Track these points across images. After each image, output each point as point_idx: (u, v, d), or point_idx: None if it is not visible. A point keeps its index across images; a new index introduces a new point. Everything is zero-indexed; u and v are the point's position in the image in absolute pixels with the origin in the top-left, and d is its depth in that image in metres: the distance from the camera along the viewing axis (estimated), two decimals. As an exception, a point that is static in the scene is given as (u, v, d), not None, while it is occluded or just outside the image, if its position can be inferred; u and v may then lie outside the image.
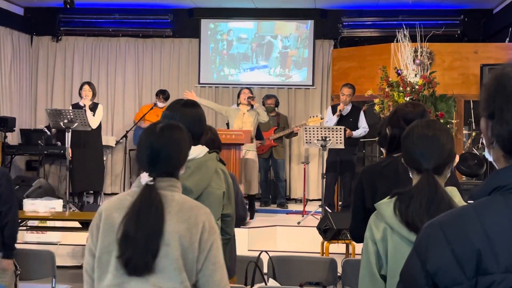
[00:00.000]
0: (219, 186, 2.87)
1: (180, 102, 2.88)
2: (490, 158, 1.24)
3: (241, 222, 6.44)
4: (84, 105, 8.04)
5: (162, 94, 9.25)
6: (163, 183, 2.09)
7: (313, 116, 8.41)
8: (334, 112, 8.14)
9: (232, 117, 7.94)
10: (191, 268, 2.04)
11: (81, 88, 8.24)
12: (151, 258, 1.99)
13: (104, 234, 2.07)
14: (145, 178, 2.07)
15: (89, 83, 8.31)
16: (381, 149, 3.39)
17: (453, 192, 2.13)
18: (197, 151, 2.79)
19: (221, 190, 2.87)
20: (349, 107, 8.11)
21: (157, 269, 2.01)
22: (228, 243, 3.12)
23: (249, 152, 7.79)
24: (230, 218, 2.99)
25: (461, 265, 1.12)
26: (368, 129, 8.17)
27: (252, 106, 7.91)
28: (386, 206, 2.10)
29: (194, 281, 2.07)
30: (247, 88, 8.27)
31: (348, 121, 8.02)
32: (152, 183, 2.06)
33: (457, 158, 2.43)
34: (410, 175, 2.18)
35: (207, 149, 2.87)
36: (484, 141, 1.24)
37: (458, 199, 2.13)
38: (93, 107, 8.12)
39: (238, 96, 8.13)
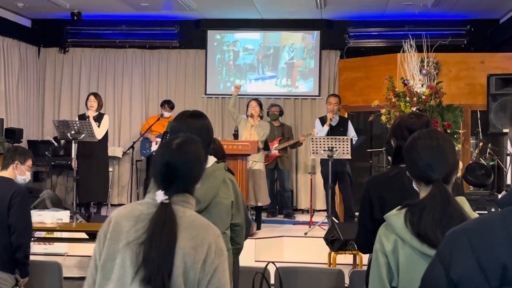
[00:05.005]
0: (227, 195, 2.86)
1: (187, 113, 2.84)
2: None
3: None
4: (88, 116, 8.05)
5: (167, 103, 9.27)
6: (176, 198, 2.04)
7: (308, 134, 8.46)
8: (322, 123, 8.21)
9: (242, 127, 7.97)
10: None
11: (87, 99, 8.26)
12: (167, 277, 1.93)
13: (111, 241, 2.04)
14: (160, 196, 2.02)
15: (95, 94, 8.32)
16: (389, 158, 3.38)
17: (464, 203, 2.12)
18: None
19: (229, 199, 2.86)
20: (337, 117, 8.21)
21: None
22: (239, 252, 3.10)
23: (257, 163, 7.78)
24: (239, 227, 2.97)
25: (485, 274, 1.12)
26: (357, 137, 8.25)
27: (261, 117, 7.98)
28: (396, 217, 2.08)
29: None
30: (254, 100, 8.26)
31: (338, 131, 8.11)
32: (167, 201, 2.01)
33: (460, 165, 2.43)
34: (414, 187, 2.17)
35: (214, 159, 2.86)
36: None
37: (467, 209, 2.12)
38: (98, 118, 8.12)
39: (247, 108, 8.14)
